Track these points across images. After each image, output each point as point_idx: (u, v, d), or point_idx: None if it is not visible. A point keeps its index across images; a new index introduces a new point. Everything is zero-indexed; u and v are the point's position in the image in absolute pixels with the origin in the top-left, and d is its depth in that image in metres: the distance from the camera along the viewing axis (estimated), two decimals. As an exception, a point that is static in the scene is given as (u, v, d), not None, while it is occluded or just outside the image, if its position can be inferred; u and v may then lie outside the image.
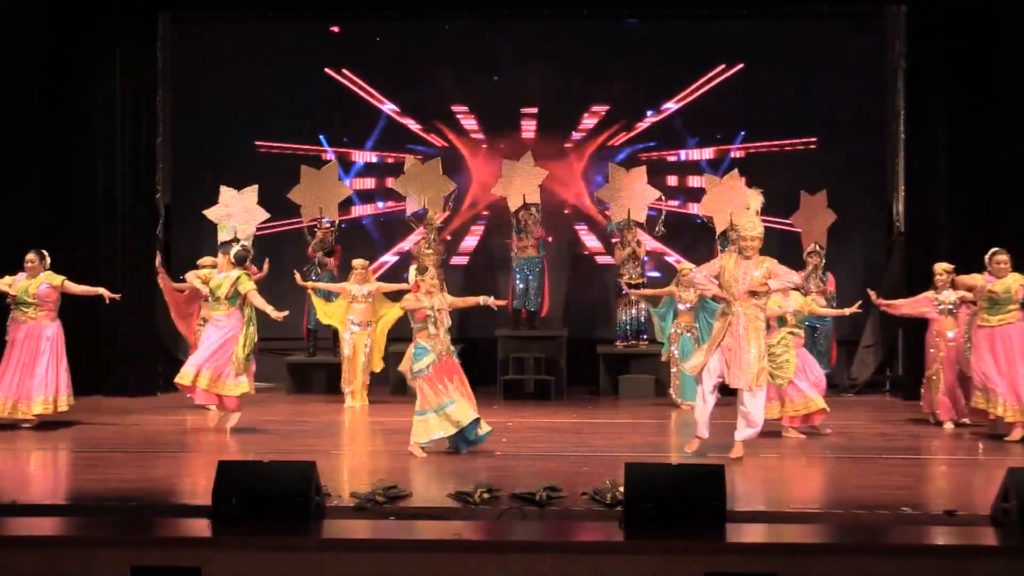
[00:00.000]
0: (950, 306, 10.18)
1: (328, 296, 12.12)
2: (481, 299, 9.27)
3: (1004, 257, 9.63)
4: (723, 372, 8.44)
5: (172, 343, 12.73)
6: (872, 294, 10.74)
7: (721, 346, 8.44)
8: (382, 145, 13.98)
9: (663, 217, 12.81)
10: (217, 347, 9.84)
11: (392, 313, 11.64)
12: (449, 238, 13.75)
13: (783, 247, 13.17)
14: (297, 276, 11.88)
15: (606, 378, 12.82)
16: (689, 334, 11.45)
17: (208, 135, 13.73)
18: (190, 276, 11.20)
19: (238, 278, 9.92)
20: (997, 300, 9.55)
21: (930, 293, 10.30)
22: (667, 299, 11.74)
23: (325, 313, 12.01)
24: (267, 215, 12.50)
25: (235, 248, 10.30)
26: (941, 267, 10.26)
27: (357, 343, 11.74)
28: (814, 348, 11.51)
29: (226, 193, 12.31)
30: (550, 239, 13.38)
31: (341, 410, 11.49)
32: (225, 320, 9.93)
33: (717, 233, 12.46)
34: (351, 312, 11.77)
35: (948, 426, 10.12)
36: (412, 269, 8.46)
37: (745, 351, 8.35)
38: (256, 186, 12.50)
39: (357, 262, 11.87)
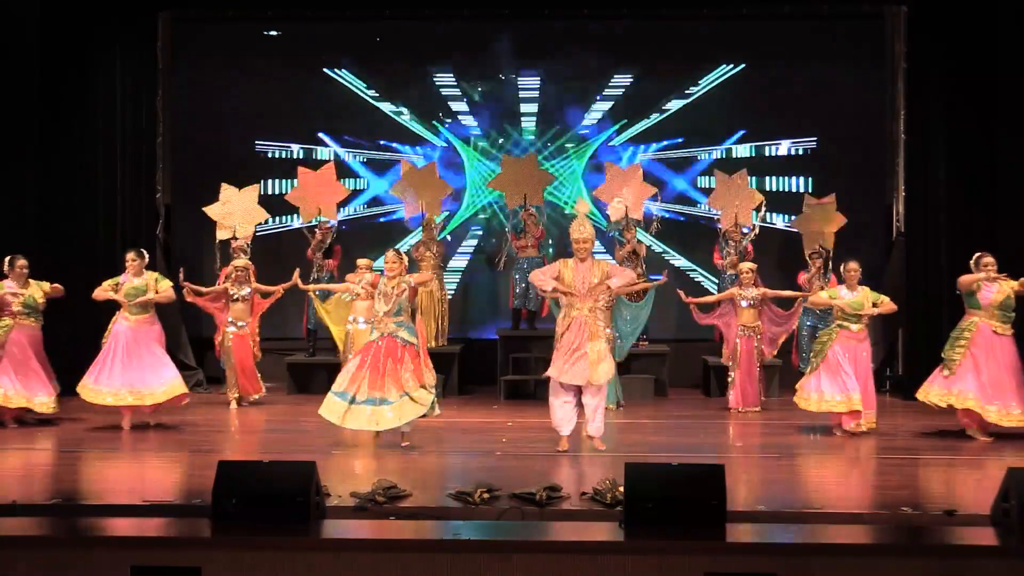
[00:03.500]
0: (752, 301, 11.22)
1: (326, 296, 12.10)
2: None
3: (990, 259, 9.68)
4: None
5: (172, 343, 12.68)
6: (680, 293, 11.35)
7: (562, 345, 8.65)
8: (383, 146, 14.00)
9: (656, 216, 12.86)
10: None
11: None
12: (449, 239, 13.72)
13: (784, 247, 13.23)
14: (296, 276, 11.49)
15: (606, 378, 12.78)
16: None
17: (208, 135, 13.73)
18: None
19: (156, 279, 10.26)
20: (1003, 308, 9.58)
21: (735, 289, 11.33)
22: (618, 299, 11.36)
23: (325, 310, 11.98)
24: (267, 215, 12.57)
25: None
26: (747, 266, 11.38)
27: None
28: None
29: (227, 191, 12.38)
30: (550, 241, 13.40)
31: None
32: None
33: (721, 231, 12.51)
34: (353, 310, 11.73)
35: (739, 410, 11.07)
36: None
37: (583, 350, 8.57)
38: (257, 186, 12.60)
39: (362, 261, 11.80)
